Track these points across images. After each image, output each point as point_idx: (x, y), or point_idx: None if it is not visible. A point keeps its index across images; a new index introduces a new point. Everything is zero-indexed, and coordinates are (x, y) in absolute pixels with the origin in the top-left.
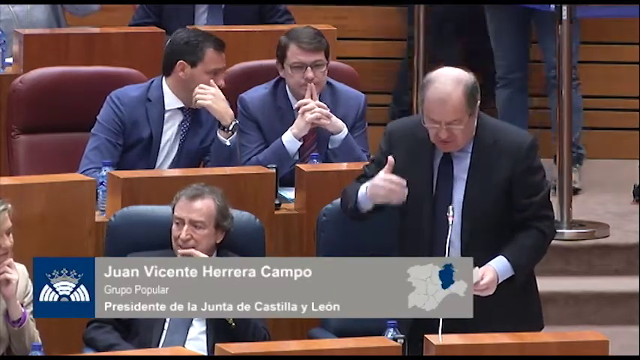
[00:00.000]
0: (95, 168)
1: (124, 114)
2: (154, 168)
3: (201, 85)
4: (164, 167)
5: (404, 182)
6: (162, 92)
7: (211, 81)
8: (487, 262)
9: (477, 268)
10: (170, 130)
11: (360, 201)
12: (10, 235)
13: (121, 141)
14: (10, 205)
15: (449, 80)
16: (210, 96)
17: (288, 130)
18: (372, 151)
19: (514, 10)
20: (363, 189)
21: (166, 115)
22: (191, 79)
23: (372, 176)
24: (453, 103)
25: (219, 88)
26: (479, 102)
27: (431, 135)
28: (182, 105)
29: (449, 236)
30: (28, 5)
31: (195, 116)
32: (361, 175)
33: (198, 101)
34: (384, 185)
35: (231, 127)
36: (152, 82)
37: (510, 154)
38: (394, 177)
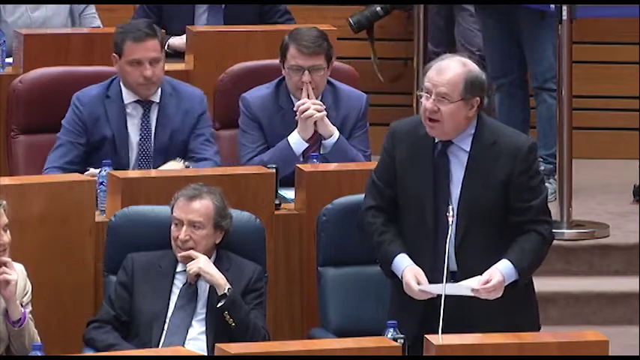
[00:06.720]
0: (54, 167)
1: (83, 114)
2: (127, 166)
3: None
4: (143, 166)
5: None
6: (121, 87)
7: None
8: (482, 260)
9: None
10: (135, 127)
11: (394, 271)
12: (8, 231)
13: (81, 140)
14: (4, 202)
15: (455, 59)
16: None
17: (295, 132)
18: (372, 150)
19: (500, 17)
20: (402, 264)
21: (127, 110)
22: (121, 70)
23: (383, 184)
24: (449, 75)
25: (157, 76)
26: (478, 99)
27: (421, 110)
28: (137, 97)
29: (449, 236)
30: (49, 12)
31: (161, 111)
32: (372, 182)
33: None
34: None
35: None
36: (114, 78)
37: (509, 156)
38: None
